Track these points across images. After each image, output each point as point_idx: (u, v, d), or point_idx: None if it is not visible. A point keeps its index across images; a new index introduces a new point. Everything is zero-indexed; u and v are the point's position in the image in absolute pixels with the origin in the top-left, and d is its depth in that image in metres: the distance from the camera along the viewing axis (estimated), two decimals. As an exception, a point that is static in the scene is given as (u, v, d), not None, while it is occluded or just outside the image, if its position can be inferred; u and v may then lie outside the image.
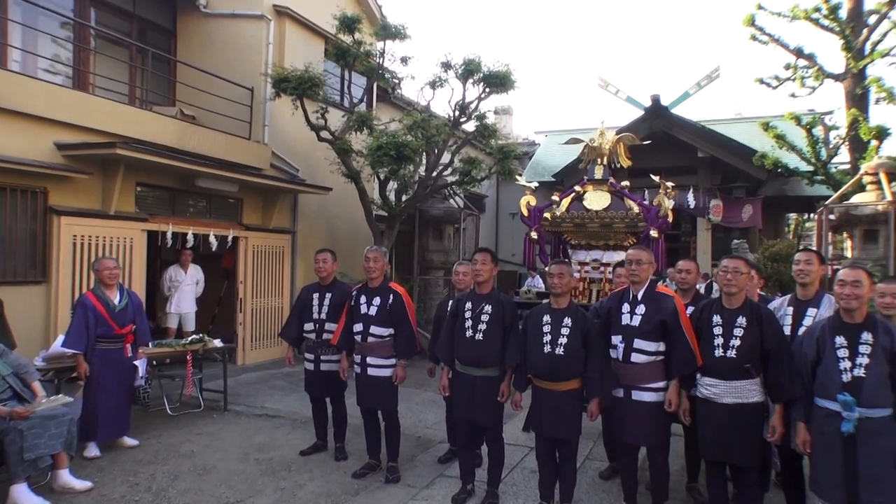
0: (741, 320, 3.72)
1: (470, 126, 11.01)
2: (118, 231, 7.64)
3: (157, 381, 6.80)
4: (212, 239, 8.62)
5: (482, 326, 4.26)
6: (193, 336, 7.15)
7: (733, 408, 3.68)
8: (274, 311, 10.06)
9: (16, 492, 4.07)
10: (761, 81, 12.15)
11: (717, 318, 3.81)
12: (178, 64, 10.20)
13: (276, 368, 9.00)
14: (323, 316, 5.36)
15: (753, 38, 11.68)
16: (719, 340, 3.75)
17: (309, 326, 5.43)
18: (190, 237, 8.41)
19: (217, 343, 7.05)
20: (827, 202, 9.35)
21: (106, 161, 7.39)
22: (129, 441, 5.58)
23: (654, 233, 6.23)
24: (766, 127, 11.69)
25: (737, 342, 3.69)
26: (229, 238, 9.17)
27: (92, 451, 5.24)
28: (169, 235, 8.18)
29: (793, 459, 3.94)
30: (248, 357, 9.55)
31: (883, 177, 8.49)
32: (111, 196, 7.48)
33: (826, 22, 10.83)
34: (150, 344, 6.01)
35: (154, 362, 6.26)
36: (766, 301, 4.74)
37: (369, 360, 4.91)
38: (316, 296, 5.45)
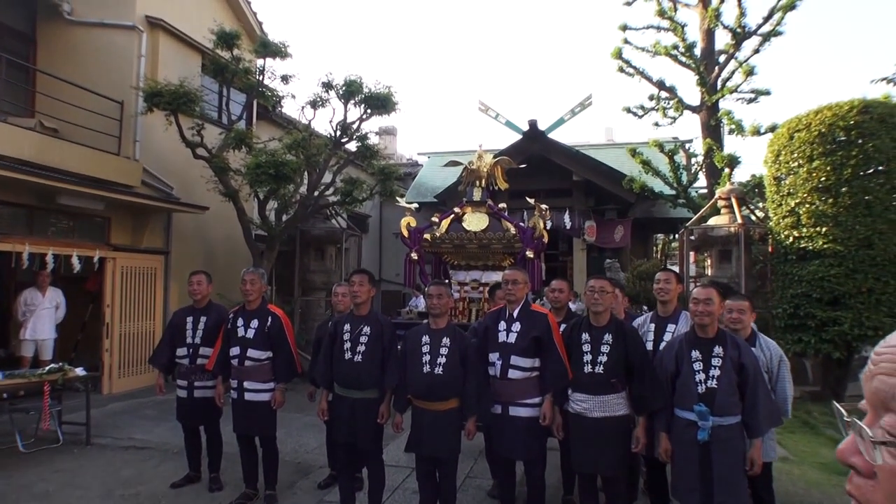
0: (607, 337, 3.92)
1: (352, 146, 11.00)
2: (-40, 252, 6.90)
3: (7, 415, 6.15)
4: (74, 260, 7.96)
5: (361, 348, 4.24)
6: (52, 365, 6.52)
7: (601, 421, 3.85)
8: (145, 335, 9.45)
9: None
10: (628, 110, 13.03)
11: (585, 336, 3.99)
12: (38, 73, 9.44)
13: (146, 397, 8.45)
14: (197, 340, 5.14)
15: (621, 69, 12.49)
16: (588, 357, 3.92)
17: (182, 351, 5.18)
18: (50, 258, 7.68)
19: (79, 372, 6.49)
20: (688, 224, 10.15)
21: (-56, 174, 6.69)
22: (-35, 486, 5.00)
23: (529, 253, 6.47)
24: (634, 153, 12.50)
25: (604, 358, 3.88)
26: (95, 259, 8.50)
27: None
28: (25, 256, 7.44)
29: (657, 468, 4.20)
30: (116, 385, 8.90)
31: (734, 201, 9.35)
32: (-49, 213, 6.78)
33: (684, 59, 11.82)
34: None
35: (4, 395, 5.68)
36: (633, 318, 5.04)
37: (247, 384, 4.74)
38: (190, 319, 5.22)
